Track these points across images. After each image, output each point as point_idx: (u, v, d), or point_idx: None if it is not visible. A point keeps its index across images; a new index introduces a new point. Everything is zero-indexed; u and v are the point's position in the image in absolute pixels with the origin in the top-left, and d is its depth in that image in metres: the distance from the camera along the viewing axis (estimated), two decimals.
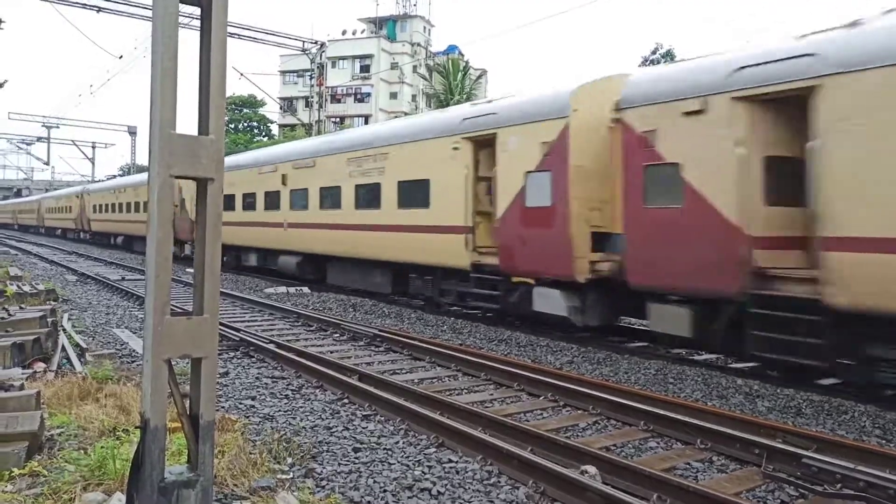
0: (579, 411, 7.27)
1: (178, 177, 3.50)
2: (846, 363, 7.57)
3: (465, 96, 48.12)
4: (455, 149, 13.03)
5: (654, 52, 39.41)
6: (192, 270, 3.87)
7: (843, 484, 5.06)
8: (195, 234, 3.67)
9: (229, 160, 21.87)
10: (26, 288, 15.23)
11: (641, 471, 5.05)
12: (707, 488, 4.76)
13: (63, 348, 9.23)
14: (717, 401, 7.78)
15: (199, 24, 3.62)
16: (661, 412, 6.64)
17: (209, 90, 3.57)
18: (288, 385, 8.25)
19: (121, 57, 30.21)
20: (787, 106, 8.28)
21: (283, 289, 18.70)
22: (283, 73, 69.16)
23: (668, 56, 37.62)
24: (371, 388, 7.54)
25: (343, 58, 67.28)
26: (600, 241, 10.68)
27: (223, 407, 6.98)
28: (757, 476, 5.42)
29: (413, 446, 6.01)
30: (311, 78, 36.00)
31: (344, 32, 69.65)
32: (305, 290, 18.74)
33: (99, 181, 57.71)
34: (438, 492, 4.98)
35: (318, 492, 4.86)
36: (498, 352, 10.43)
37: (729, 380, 8.64)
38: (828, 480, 5.14)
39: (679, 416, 6.49)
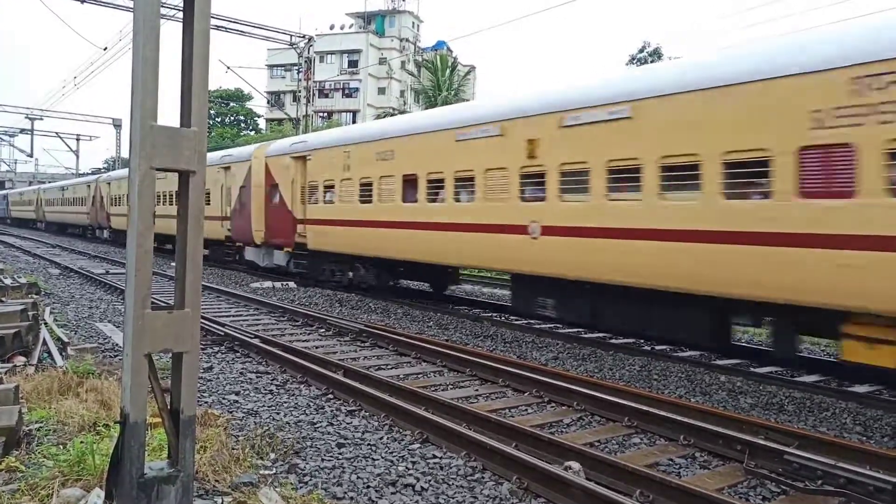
0: (564, 407, 7.29)
1: (159, 169, 3.45)
2: None
3: (453, 92, 48.00)
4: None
5: (641, 51, 39.49)
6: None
7: (823, 480, 5.10)
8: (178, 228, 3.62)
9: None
10: (8, 281, 15.02)
11: (625, 467, 5.06)
12: (689, 484, 4.78)
13: (44, 342, 9.11)
14: (701, 397, 7.82)
15: (182, 15, 3.58)
16: (645, 408, 6.67)
17: (192, 82, 3.53)
18: (272, 380, 8.20)
19: (105, 49, 29.84)
20: None
21: (268, 283, 18.59)
22: (271, 67, 68.68)
23: (656, 55, 37.73)
24: (356, 384, 7.50)
25: (331, 52, 66.93)
26: None
27: (206, 402, 6.93)
28: (739, 472, 5.46)
29: (397, 442, 5.99)
30: (299, 72, 35.76)
31: (332, 27, 69.33)
32: (291, 284, 18.66)
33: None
34: (422, 487, 4.97)
35: (301, 487, 4.83)
36: (483, 348, 10.43)
37: (712, 376, 8.70)
38: (809, 477, 5.19)
39: (663, 413, 6.52)
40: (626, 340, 11.08)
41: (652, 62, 33.27)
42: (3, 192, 79.52)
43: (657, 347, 10.61)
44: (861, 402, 7.57)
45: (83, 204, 42.06)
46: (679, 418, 6.36)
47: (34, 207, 57.14)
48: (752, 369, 9.14)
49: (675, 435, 6.21)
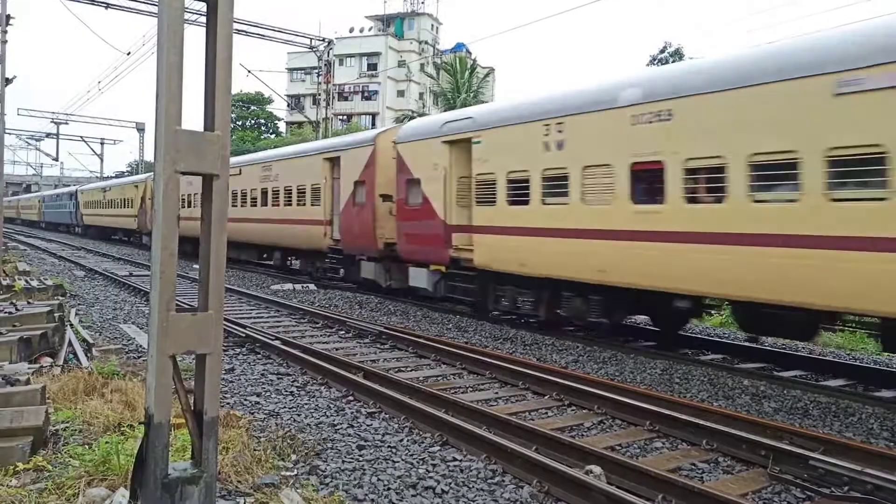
0: (584, 411, 7.24)
1: (183, 173, 3.49)
2: None
3: (472, 95, 47.95)
4: None
5: (662, 51, 39.19)
6: (198, 267, 3.86)
7: (850, 486, 5.02)
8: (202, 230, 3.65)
9: None
10: (34, 283, 15.30)
11: (647, 471, 5.01)
12: (713, 489, 4.73)
13: (70, 343, 9.26)
14: (724, 401, 7.73)
15: (205, 21, 3.62)
16: (667, 412, 6.61)
17: (215, 86, 3.57)
18: (293, 382, 8.25)
19: (129, 53, 30.25)
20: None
21: (289, 286, 18.72)
22: (291, 70, 69.18)
23: (677, 55, 37.40)
24: (376, 386, 7.53)
25: (350, 55, 67.34)
26: None
27: (228, 403, 6.99)
28: (763, 477, 5.38)
29: (417, 444, 5.99)
30: (319, 75, 35.97)
31: (351, 30, 69.85)
32: (311, 287, 18.77)
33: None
34: (442, 490, 4.96)
35: (322, 489, 4.86)
36: (503, 350, 10.41)
37: (735, 380, 8.59)
38: (835, 483, 5.10)
39: (685, 417, 6.45)
40: (647, 344, 10.99)
41: (672, 62, 32.93)
42: (71, 188, 55.63)
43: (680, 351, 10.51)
44: (888, 407, 7.43)
45: (261, 203, 21.80)
46: (701, 422, 6.29)
47: (135, 210, 35.91)
48: (775, 373, 9.02)
49: (698, 439, 6.14)
